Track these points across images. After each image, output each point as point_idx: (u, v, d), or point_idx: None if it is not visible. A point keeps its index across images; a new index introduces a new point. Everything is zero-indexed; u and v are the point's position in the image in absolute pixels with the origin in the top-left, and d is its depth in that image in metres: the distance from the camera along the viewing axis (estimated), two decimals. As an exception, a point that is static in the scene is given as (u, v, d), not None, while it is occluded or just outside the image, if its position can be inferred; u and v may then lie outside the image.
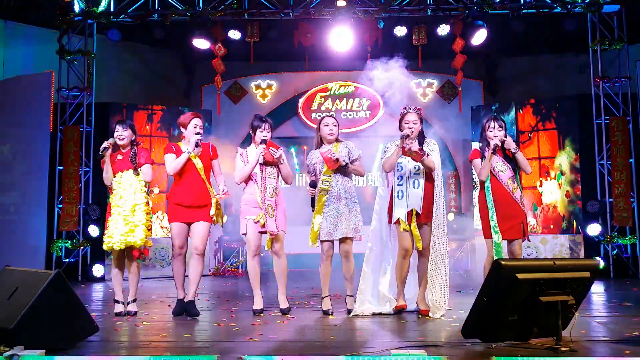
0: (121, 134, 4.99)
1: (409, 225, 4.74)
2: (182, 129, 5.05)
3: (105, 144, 4.94)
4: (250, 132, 5.09)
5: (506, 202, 4.81)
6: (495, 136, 4.84)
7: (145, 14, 8.82)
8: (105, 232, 4.87)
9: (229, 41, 9.23)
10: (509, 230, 4.80)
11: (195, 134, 4.95)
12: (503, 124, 4.92)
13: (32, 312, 3.31)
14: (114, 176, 4.93)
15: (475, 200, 5.05)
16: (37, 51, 9.31)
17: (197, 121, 5.01)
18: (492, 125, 4.86)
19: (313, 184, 4.95)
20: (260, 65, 10.59)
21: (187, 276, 5.04)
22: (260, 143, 4.95)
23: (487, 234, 4.85)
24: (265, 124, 5.03)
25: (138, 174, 4.92)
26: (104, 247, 4.87)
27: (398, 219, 4.78)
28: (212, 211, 4.95)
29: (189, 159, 4.93)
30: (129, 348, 3.65)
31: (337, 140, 5.08)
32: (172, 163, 4.93)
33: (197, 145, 4.93)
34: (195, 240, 4.93)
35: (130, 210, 4.82)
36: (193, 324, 4.58)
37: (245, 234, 5.02)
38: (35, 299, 3.34)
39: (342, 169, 4.92)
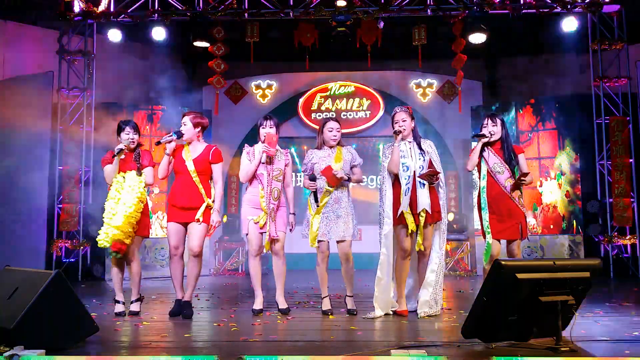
0: (132, 137, 5.00)
1: (416, 225, 4.74)
2: None
3: (121, 146, 4.94)
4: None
5: (503, 202, 4.83)
6: (489, 132, 4.89)
7: (145, 14, 8.82)
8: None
9: (229, 41, 9.23)
10: (506, 231, 4.81)
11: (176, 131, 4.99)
12: (499, 121, 4.96)
13: (32, 312, 3.31)
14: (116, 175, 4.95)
15: (476, 200, 5.07)
16: (37, 51, 9.30)
17: (184, 119, 5.03)
18: (485, 122, 4.98)
19: (312, 178, 4.93)
20: (260, 65, 10.58)
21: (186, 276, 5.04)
22: (263, 141, 4.96)
23: (482, 234, 4.89)
24: (267, 120, 5.04)
25: (140, 175, 4.95)
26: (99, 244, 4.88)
27: (402, 218, 4.75)
28: (198, 214, 4.85)
29: (182, 161, 4.91)
30: (129, 348, 3.65)
31: (339, 144, 5.09)
32: (160, 166, 4.99)
33: (178, 137, 4.92)
34: (190, 241, 4.90)
35: (117, 210, 4.81)
36: (193, 324, 4.59)
37: (247, 234, 5.02)
38: (35, 299, 3.34)
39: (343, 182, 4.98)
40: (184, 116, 5.06)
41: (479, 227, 5.01)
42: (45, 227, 8.61)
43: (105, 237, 4.78)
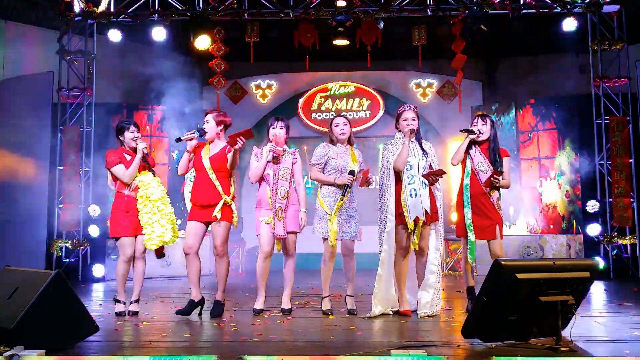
0: (138, 135, 5.03)
1: (415, 225, 4.74)
2: None
3: (145, 144, 4.99)
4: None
5: (481, 202, 4.86)
6: (479, 130, 4.93)
7: (145, 14, 8.83)
8: (145, 230, 4.86)
9: (229, 41, 9.23)
10: (484, 230, 4.85)
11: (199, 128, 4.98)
12: (489, 121, 5.00)
13: (32, 312, 3.31)
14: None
15: (456, 197, 5.09)
16: (37, 51, 9.30)
17: (207, 117, 5.00)
18: (475, 120, 5.02)
19: (353, 172, 4.92)
20: (260, 65, 10.58)
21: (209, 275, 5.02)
22: (271, 141, 4.96)
23: (461, 233, 4.88)
24: (278, 121, 5.05)
25: (155, 174, 5.02)
26: (151, 246, 4.85)
27: (403, 217, 4.73)
28: (215, 211, 4.81)
29: (200, 159, 4.90)
30: (129, 348, 3.65)
31: (349, 141, 5.09)
32: (180, 163, 5.00)
33: (200, 135, 4.89)
34: (214, 241, 4.89)
35: (168, 211, 4.96)
36: (193, 324, 4.59)
37: (258, 235, 4.99)
38: (35, 299, 3.34)
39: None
40: (207, 114, 5.02)
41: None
42: (45, 227, 8.62)
43: (172, 237, 4.90)
